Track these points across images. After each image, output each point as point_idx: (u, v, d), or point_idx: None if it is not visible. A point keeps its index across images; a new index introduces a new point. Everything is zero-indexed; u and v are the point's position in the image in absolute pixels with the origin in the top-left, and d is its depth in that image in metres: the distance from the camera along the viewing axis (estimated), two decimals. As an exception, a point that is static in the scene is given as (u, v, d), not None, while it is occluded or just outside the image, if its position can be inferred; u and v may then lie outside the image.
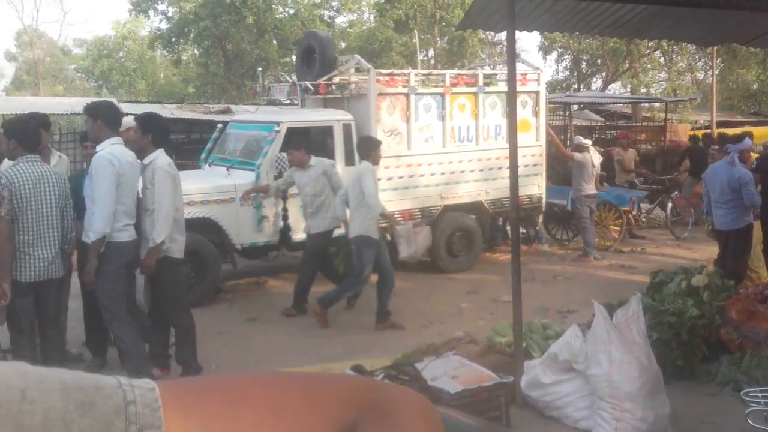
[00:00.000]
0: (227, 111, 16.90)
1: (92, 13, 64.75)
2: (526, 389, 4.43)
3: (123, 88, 37.52)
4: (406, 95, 8.57)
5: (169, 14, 27.34)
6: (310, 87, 8.36)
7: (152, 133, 4.93)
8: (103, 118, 4.76)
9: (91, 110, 4.85)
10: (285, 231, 7.89)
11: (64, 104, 18.17)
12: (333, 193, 6.84)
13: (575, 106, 20.15)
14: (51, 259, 4.56)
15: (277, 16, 25.43)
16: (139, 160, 4.87)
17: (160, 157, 4.88)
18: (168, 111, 16.62)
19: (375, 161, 6.65)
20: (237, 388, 0.64)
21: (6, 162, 5.20)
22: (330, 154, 8.20)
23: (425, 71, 9.13)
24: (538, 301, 7.12)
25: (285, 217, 7.86)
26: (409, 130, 8.63)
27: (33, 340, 4.73)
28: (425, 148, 8.77)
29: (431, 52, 28.37)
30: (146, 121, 5.04)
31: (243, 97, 27.31)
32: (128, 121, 5.34)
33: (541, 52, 28.03)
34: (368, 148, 6.68)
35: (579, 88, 27.27)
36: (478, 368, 4.17)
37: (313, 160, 6.96)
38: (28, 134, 4.60)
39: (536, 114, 9.62)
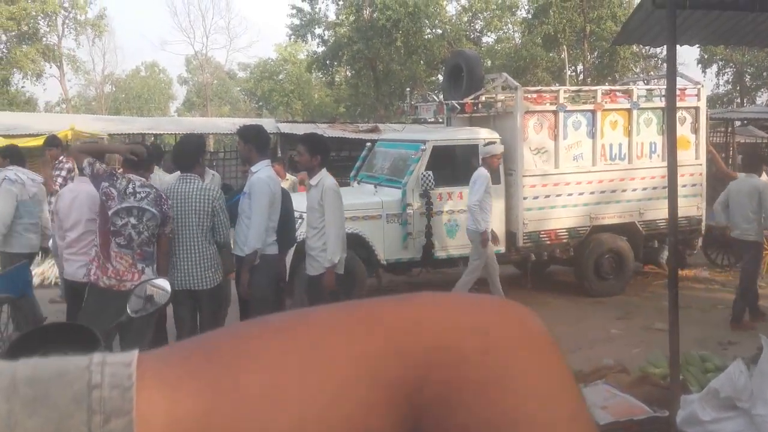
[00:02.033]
0: (375, 130, 17.47)
1: (256, 39, 69.60)
2: (682, 425, 4.15)
3: (281, 108, 39.83)
4: (555, 112, 8.40)
5: (325, 38, 28.65)
6: (457, 106, 8.43)
7: (320, 154, 5.21)
8: (253, 142, 5.13)
9: (243, 134, 5.24)
10: (428, 248, 7.98)
11: (222, 125, 19.66)
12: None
13: (738, 122, 18.69)
14: (193, 269, 4.80)
15: (425, 36, 25.89)
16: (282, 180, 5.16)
17: (327, 178, 5.14)
18: (321, 130, 17.44)
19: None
20: (248, 343, 0.45)
21: (157, 174, 5.72)
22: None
23: (575, 88, 8.90)
24: (696, 331, 6.65)
25: (429, 235, 7.94)
26: (557, 148, 8.44)
27: None
28: (574, 167, 8.53)
29: (580, 67, 27.56)
30: (314, 144, 5.32)
31: (391, 116, 28.01)
32: None
33: (699, 65, 26.31)
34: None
35: (742, 103, 25.27)
36: (630, 400, 3.98)
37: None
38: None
39: (695, 131, 9.05)
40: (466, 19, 26.85)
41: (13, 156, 6.65)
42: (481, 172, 7.38)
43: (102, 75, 45.60)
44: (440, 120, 9.90)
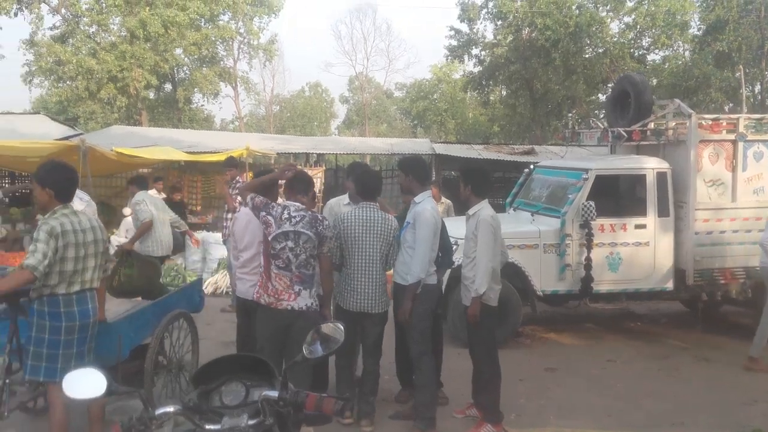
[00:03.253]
0: (531, 152, 17.16)
1: (414, 60, 71.21)
2: None
3: (435, 126, 40.35)
4: (733, 142, 7.80)
5: (482, 58, 28.68)
6: (623, 134, 8.08)
7: (472, 184, 5.24)
8: (414, 174, 5.22)
9: (404, 166, 5.36)
10: (587, 281, 7.67)
11: (377, 146, 20.20)
12: None
13: None
14: (370, 294, 5.03)
15: (585, 55, 25.09)
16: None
17: (484, 209, 5.14)
18: (475, 152, 17.45)
19: None
20: None
21: (336, 200, 5.98)
22: (640, 203, 7.83)
23: (758, 116, 8.17)
24: None
25: (588, 267, 7.64)
26: (735, 181, 7.82)
27: (353, 365, 5.31)
28: (754, 201, 7.86)
29: (758, 87, 25.37)
30: (467, 175, 5.37)
31: (547, 136, 27.41)
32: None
33: None
34: None
35: None
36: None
37: None
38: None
39: None
40: (630, 36, 25.64)
41: (140, 183, 8.12)
42: None
43: (271, 95, 48.80)
44: (603, 144, 9.52)
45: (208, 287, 10.32)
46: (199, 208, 15.69)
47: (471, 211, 5.24)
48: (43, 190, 3.92)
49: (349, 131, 48.55)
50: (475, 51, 29.06)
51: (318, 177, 16.52)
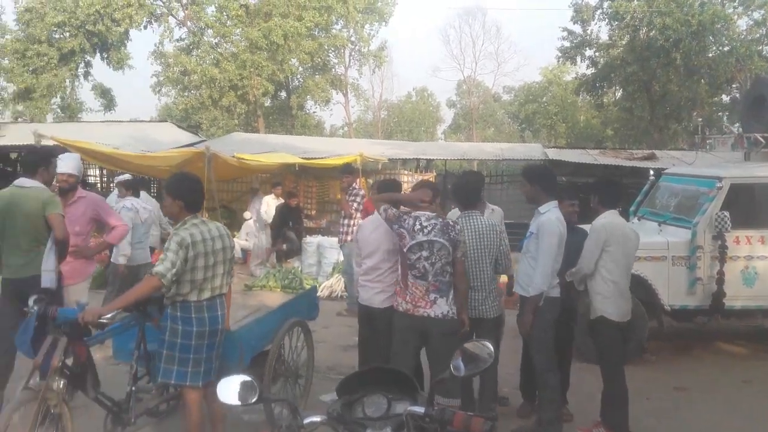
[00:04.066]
0: (651, 157, 16.38)
1: (524, 62, 70.11)
2: None
3: (544, 130, 39.45)
4: None
5: (596, 59, 27.76)
6: (761, 140, 7.55)
7: (600, 194, 5.09)
8: (540, 183, 5.06)
9: (529, 175, 5.16)
10: (719, 296, 7.22)
11: (488, 150, 19.94)
12: None
13: None
14: (482, 300, 5.02)
15: (709, 55, 23.69)
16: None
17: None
18: (591, 156, 16.88)
19: None
20: None
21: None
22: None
23: None
24: None
25: (721, 281, 7.20)
26: None
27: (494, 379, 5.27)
28: None
29: None
30: (595, 185, 5.24)
31: (666, 141, 26.13)
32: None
33: None
34: None
35: None
36: None
37: None
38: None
39: None
40: (759, 34, 23.95)
41: (135, 188, 8.31)
42: None
43: (379, 100, 49.47)
44: (734, 150, 8.94)
45: (323, 291, 10.57)
46: (314, 212, 16.17)
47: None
48: (174, 201, 4.12)
49: (456, 136, 48.35)
50: (588, 52, 28.13)
51: (428, 182, 16.56)
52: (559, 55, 28.97)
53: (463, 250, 4.68)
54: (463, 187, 5.26)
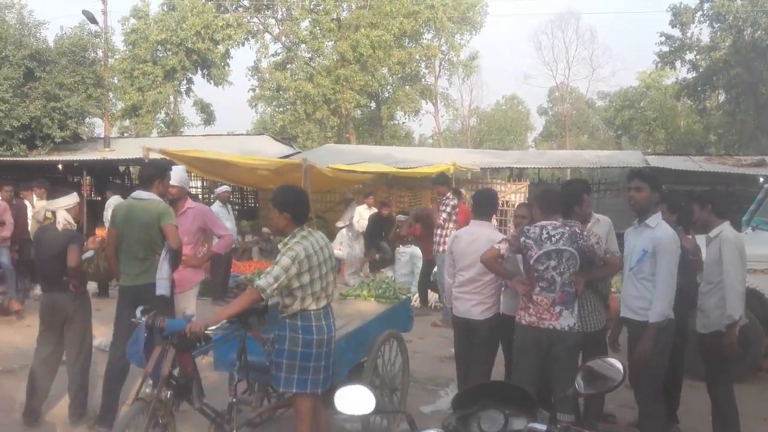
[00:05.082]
0: (762, 164, 15.47)
1: (620, 67, 68.02)
2: None
3: (642, 136, 38.02)
4: None
5: (697, 63, 26.58)
6: None
7: (713, 204, 4.86)
8: (657, 191, 4.73)
9: (646, 178, 4.71)
10: None
11: (587, 158, 19.36)
12: None
13: None
14: (594, 314, 4.84)
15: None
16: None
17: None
18: (695, 163, 16.13)
19: None
20: None
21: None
22: None
23: None
24: None
25: None
26: None
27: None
28: None
29: None
30: (706, 194, 5.00)
31: (776, 146, 24.61)
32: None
33: None
34: None
35: None
36: None
37: None
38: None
39: None
40: None
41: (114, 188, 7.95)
42: None
43: (468, 109, 49.20)
44: None
45: (417, 301, 10.55)
46: (406, 222, 16.19)
47: (712, 234, 4.85)
48: (281, 214, 4.11)
49: (547, 143, 47.36)
50: (689, 56, 27.02)
51: (521, 191, 16.29)
52: (658, 60, 27.95)
53: (606, 248, 4.69)
54: (567, 196, 5.03)
